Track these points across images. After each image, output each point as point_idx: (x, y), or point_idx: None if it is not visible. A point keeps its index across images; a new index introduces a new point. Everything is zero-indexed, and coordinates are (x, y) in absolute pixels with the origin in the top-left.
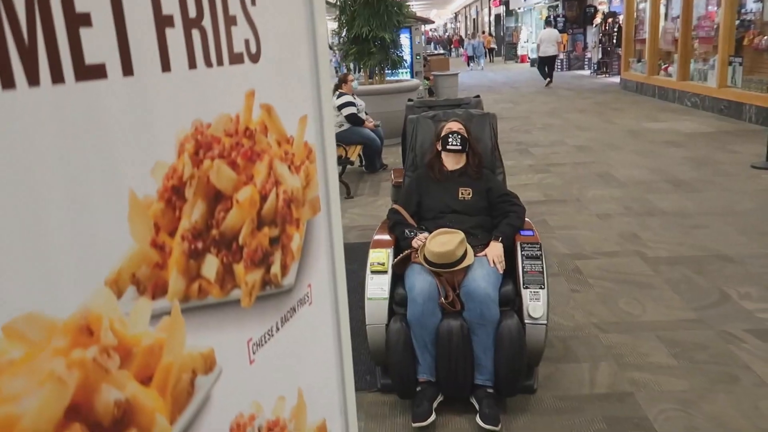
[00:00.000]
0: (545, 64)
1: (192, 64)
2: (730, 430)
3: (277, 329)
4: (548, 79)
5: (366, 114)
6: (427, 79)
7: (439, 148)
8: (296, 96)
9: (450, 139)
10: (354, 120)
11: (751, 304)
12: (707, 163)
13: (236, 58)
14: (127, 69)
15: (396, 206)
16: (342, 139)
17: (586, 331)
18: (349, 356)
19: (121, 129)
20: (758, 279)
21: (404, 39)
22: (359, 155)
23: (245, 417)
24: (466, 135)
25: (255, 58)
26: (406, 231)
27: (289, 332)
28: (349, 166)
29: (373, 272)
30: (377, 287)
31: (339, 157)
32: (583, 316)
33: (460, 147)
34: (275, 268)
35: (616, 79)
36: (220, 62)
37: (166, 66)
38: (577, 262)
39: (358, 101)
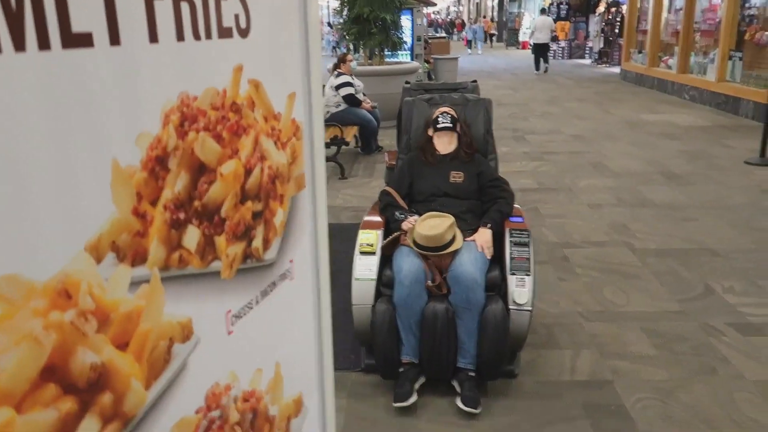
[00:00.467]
0: (539, 52)
1: (180, 37)
2: (704, 419)
3: (257, 302)
4: (545, 65)
5: (364, 95)
6: (427, 62)
7: (431, 133)
8: (285, 73)
9: (440, 118)
10: (351, 100)
11: (734, 298)
12: (702, 156)
13: (225, 32)
14: (114, 38)
15: (388, 188)
16: (338, 120)
17: (570, 319)
18: (329, 333)
19: (106, 98)
20: (743, 274)
21: (405, 21)
22: (355, 136)
23: (221, 387)
24: (456, 116)
25: (244, 33)
26: (397, 213)
27: (269, 306)
28: (344, 147)
29: (361, 253)
30: (365, 268)
31: (334, 138)
32: (569, 304)
33: (450, 124)
34: (257, 242)
35: (617, 70)
36: (208, 36)
37: (153, 37)
38: (566, 250)
39: (357, 82)
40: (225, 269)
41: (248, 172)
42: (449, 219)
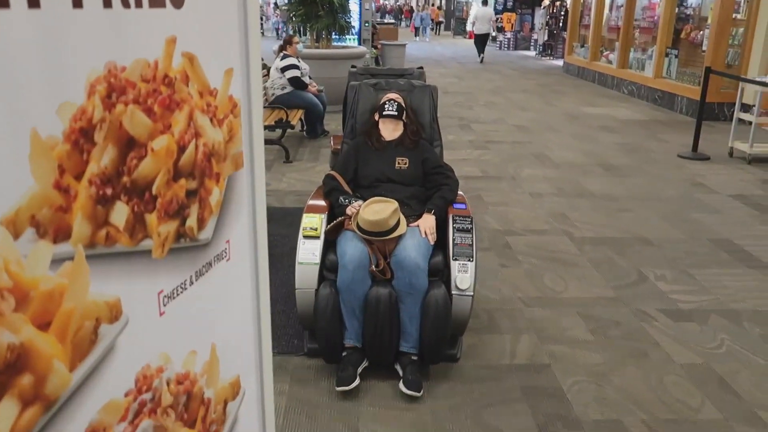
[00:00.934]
0: (479, 41)
1: (107, 3)
2: (636, 401)
3: (191, 283)
4: (481, 55)
5: (310, 78)
6: (375, 47)
7: (377, 118)
8: (222, 48)
9: (387, 105)
10: (297, 83)
11: (666, 285)
12: (638, 150)
13: (157, 2)
14: (33, 0)
15: (332, 172)
16: (283, 102)
17: (511, 305)
18: (267, 315)
19: (25, 64)
20: (674, 263)
21: (353, 5)
22: (300, 120)
23: (153, 369)
24: (403, 104)
25: (178, 3)
26: (341, 198)
27: (204, 287)
28: (289, 130)
29: (305, 237)
30: (309, 252)
31: (279, 120)
32: (510, 290)
33: (396, 113)
34: (191, 221)
35: (560, 62)
36: (138, 4)
37: (77, 2)
38: (508, 238)
39: (303, 65)
40: (157, 248)
41: (182, 148)
42: (393, 204)
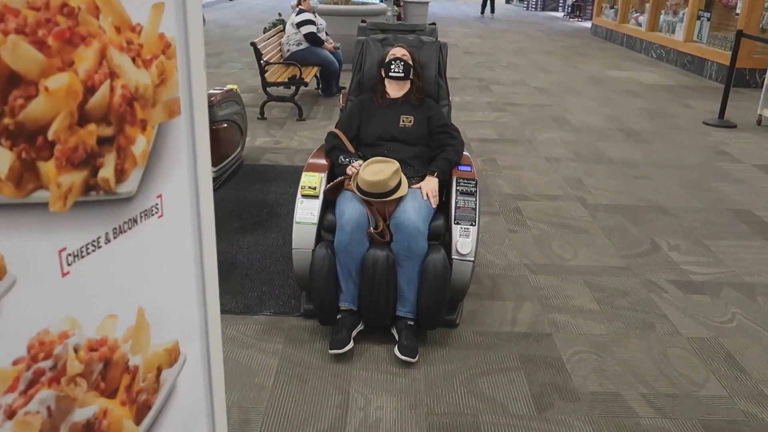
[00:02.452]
0: None
1: None
2: (637, 374)
3: (108, 241)
4: (491, 15)
5: (327, 35)
6: (397, 5)
7: (383, 74)
8: None
9: (393, 66)
10: (313, 39)
11: (679, 256)
12: (662, 115)
13: None
14: None
15: (335, 130)
16: (298, 59)
17: (516, 271)
18: (214, 277)
19: None
20: (689, 232)
21: None
22: (316, 77)
23: (54, 334)
24: (410, 62)
25: None
26: (341, 157)
27: (127, 245)
28: (304, 88)
29: (303, 196)
30: (307, 212)
31: (292, 77)
32: (516, 256)
33: (402, 74)
34: (106, 172)
35: (588, 24)
36: None
37: None
38: (519, 202)
39: (319, 20)
40: (56, 201)
41: (90, 89)
42: (394, 165)
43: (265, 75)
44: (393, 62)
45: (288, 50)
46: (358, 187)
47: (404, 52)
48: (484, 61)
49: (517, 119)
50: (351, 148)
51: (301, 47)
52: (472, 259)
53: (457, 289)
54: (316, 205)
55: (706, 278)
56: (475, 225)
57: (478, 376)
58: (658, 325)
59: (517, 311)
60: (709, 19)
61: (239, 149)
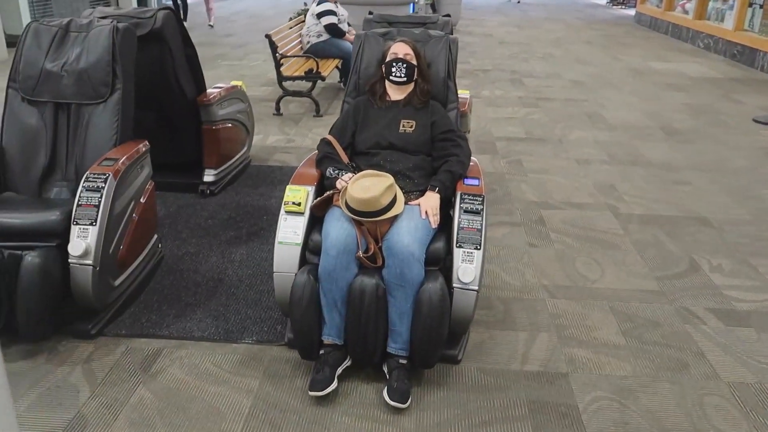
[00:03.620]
0: None
1: None
2: (663, 429)
3: None
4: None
5: (349, 25)
6: None
7: (383, 71)
8: None
9: (394, 69)
10: (334, 31)
11: (721, 278)
12: (707, 111)
13: None
14: None
15: (328, 136)
16: (317, 52)
17: (532, 295)
18: None
19: None
20: (734, 249)
21: None
22: (338, 68)
23: None
24: (414, 62)
25: None
26: (329, 169)
27: None
28: (326, 82)
29: (287, 212)
30: (290, 230)
31: (309, 71)
32: (534, 276)
33: (404, 78)
34: None
35: (632, 12)
36: None
37: None
38: (543, 211)
39: (341, 10)
40: None
41: None
42: (387, 180)
43: (281, 69)
44: (394, 63)
45: (308, 42)
46: (346, 205)
47: (407, 49)
48: (519, 51)
49: (548, 116)
50: (345, 158)
51: (321, 39)
52: (476, 288)
53: (458, 322)
54: (301, 223)
55: (753, 307)
56: (480, 249)
57: (477, 427)
58: (693, 365)
59: (531, 344)
60: (761, 6)
61: (245, 149)
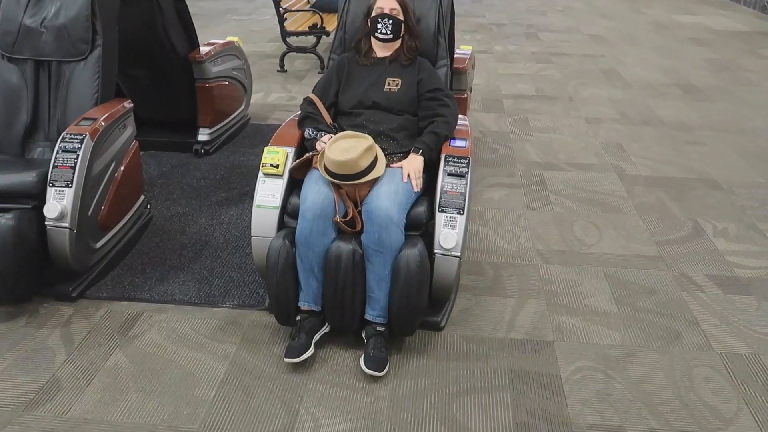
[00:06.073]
0: None
1: None
2: (649, 401)
3: None
4: None
5: None
6: None
7: (368, 26)
8: None
9: (379, 26)
10: None
11: (725, 243)
12: (730, 68)
13: None
14: None
15: (312, 95)
16: (322, 6)
17: (525, 259)
18: None
19: None
20: (742, 213)
21: None
22: None
23: None
24: (401, 17)
25: None
26: (308, 131)
27: None
28: (326, 38)
29: (265, 175)
30: (268, 194)
31: (313, 26)
32: (529, 240)
33: (390, 35)
34: None
35: None
36: None
37: None
38: (545, 172)
39: None
40: None
41: None
42: (367, 140)
43: (285, 24)
44: (379, 19)
45: None
46: (324, 167)
47: (393, 4)
48: (538, 4)
49: (561, 72)
50: (327, 118)
51: None
52: (458, 254)
53: (439, 289)
54: (280, 185)
55: (755, 274)
56: (463, 214)
57: (455, 396)
58: (685, 334)
59: (518, 311)
60: None
61: (242, 107)
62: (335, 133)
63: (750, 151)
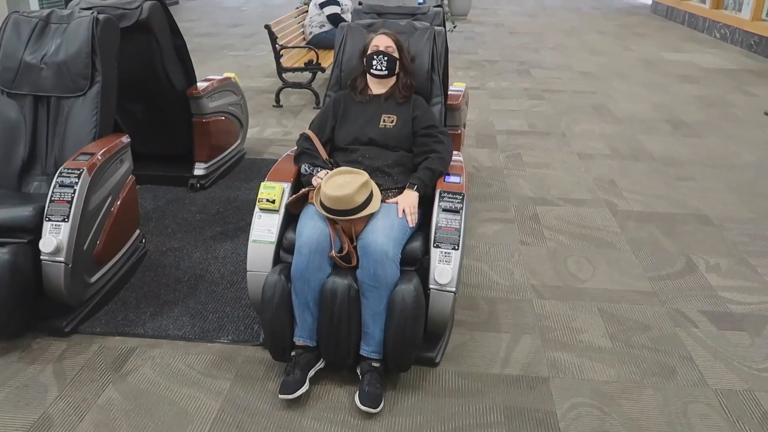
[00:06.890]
0: None
1: None
2: None
3: None
4: None
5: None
6: None
7: (365, 64)
8: None
9: (374, 62)
10: (337, 21)
11: (717, 279)
12: (718, 104)
13: None
14: None
15: (308, 131)
16: (321, 42)
17: (519, 295)
18: None
19: None
20: (733, 249)
21: None
22: None
23: None
24: (396, 54)
25: None
26: (304, 166)
27: None
28: (321, 74)
29: (261, 210)
30: (264, 228)
31: (309, 62)
32: (523, 275)
33: (385, 72)
34: None
35: (649, 1)
36: None
37: None
38: (538, 208)
39: (345, 0)
40: None
41: None
42: (362, 177)
43: (281, 60)
44: (375, 56)
45: (311, 33)
46: (320, 203)
47: (388, 42)
48: (530, 42)
49: (553, 108)
50: (324, 154)
51: (324, 29)
52: (453, 289)
53: (434, 325)
54: (276, 220)
55: (748, 309)
56: (458, 249)
57: None
58: (680, 370)
59: (513, 347)
60: None
61: (238, 142)
62: (331, 169)
63: (739, 186)
